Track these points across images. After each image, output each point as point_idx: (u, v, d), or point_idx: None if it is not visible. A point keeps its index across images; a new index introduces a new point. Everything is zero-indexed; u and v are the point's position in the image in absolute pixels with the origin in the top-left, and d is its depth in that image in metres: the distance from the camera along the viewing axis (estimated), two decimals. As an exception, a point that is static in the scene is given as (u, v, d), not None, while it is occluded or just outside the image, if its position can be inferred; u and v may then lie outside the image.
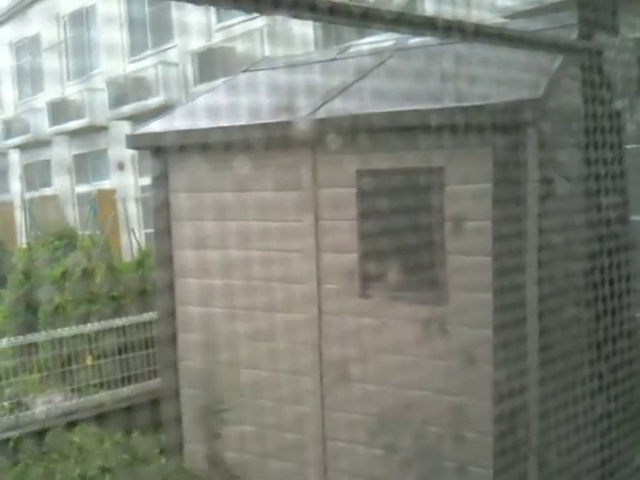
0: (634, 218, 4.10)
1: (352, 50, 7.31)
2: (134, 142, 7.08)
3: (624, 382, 3.01)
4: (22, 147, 21.68)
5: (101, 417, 7.18)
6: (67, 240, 11.17)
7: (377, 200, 5.24)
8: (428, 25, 2.13)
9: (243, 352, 5.95)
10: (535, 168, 4.54)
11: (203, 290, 6.19)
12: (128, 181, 16.98)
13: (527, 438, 4.50)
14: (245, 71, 7.58)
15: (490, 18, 8.45)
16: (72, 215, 18.69)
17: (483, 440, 4.76)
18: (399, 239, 4.98)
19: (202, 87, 12.63)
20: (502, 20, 8.07)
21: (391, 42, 6.52)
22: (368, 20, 1.92)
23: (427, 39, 4.70)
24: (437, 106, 4.86)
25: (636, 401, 3.19)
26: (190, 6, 1.78)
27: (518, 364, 4.47)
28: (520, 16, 7.61)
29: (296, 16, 1.85)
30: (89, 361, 7.87)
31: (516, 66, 4.21)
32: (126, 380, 7.90)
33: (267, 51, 12.52)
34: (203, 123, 6.21)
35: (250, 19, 13.00)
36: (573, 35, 3.10)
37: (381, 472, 5.34)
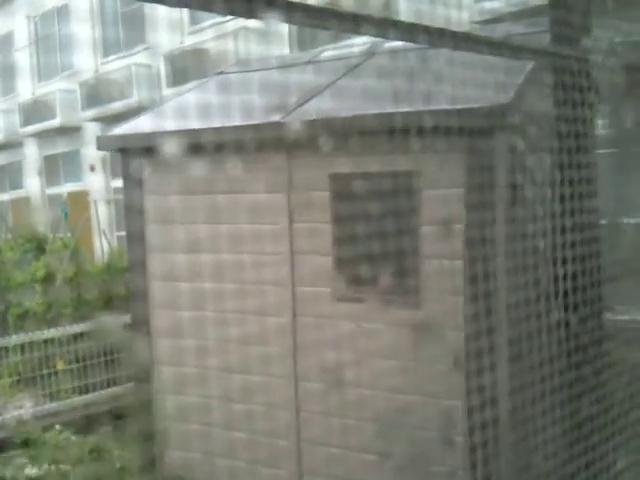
0: (612, 222, 4.14)
1: (327, 53, 7.31)
2: (105, 143, 7.00)
3: (602, 387, 3.03)
4: (-7, 148, 21.42)
5: (74, 422, 7.11)
6: (37, 243, 11.03)
7: (351, 204, 5.24)
8: (418, 30, 2.14)
9: (219, 358, 5.91)
10: (504, 173, 4.57)
11: (177, 294, 6.14)
12: (100, 183, 16.82)
13: (499, 448, 4.51)
14: (219, 73, 7.55)
15: (470, 21, 8.53)
16: (43, 217, 18.47)
17: (461, 445, 4.77)
18: (374, 243, 4.98)
19: (175, 89, 12.56)
20: (476, 26, 8.14)
21: (366, 46, 6.53)
22: (358, 24, 1.94)
23: (404, 43, 4.72)
24: (410, 109, 4.87)
25: (616, 405, 3.21)
26: (164, 7, 1.77)
27: (490, 371, 4.48)
28: (505, 19, 7.65)
29: (288, 20, 1.86)
30: (61, 365, 7.79)
31: (486, 69, 4.23)
32: (98, 385, 7.82)
33: (242, 53, 12.48)
34: (176, 125, 6.17)
35: (225, 21, 12.95)
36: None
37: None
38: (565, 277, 2.95)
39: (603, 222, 3.36)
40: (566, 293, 2.96)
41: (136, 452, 6.35)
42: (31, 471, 6.13)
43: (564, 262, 2.98)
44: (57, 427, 6.95)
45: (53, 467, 6.18)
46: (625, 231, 4.79)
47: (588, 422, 3.00)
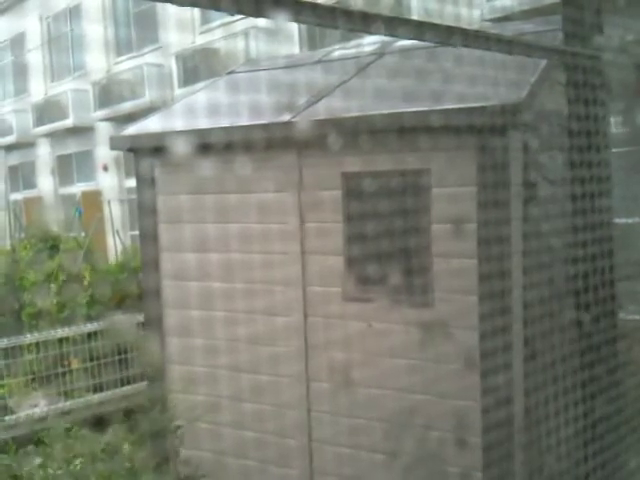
0: (625, 221, 4.11)
1: (337, 52, 7.30)
2: (118, 143, 7.03)
3: (615, 386, 3.01)
4: (7, 148, 21.52)
5: (88, 420, 7.13)
6: (51, 242, 11.09)
7: (364, 202, 5.23)
8: (428, 28, 2.14)
9: (230, 357, 5.92)
10: (518, 171, 4.54)
11: (189, 293, 6.15)
12: (113, 183, 16.89)
13: (513, 448, 4.50)
14: (230, 73, 7.56)
15: (482, 19, 8.51)
16: (57, 217, 18.58)
17: (475, 445, 4.75)
18: (386, 242, 4.97)
19: (187, 89, 12.58)
20: (488, 24, 8.11)
21: (377, 45, 6.51)
22: (367, 23, 1.93)
23: (415, 42, 4.72)
24: (423, 108, 4.85)
25: (629, 404, 3.19)
26: (175, 7, 1.77)
27: (505, 370, 4.46)
28: (517, 17, 7.63)
29: (296, 19, 1.86)
30: (75, 364, 7.82)
31: (500, 67, 4.21)
32: (112, 383, 7.84)
33: (252, 52, 12.48)
34: (186, 125, 6.18)
35: (236, 20, 12.96)
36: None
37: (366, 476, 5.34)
38: (578, 276, 2.93)
39: (616, 221, 3.34)
40: (579, 292, 2.94)
41: (149, 450, 6.37)
42: (46, 469, 6.16)
43: (577, 261, 2.97)
44: (71, 425, 6.98)
45: (67, 465, 6.21)
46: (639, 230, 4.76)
47: (602, 422, 2.98)
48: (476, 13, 8.67)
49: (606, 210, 3.12)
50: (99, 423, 7.03)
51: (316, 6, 1.79)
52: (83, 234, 12.65)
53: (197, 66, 13.56)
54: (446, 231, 4.87)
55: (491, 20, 8.48)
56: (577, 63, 2.93)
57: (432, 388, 4.91)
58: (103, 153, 16.15)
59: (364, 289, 5.35)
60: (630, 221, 4.44)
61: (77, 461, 6.18)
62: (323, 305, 5.47)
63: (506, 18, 7.98)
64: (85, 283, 9.06)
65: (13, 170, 22.08)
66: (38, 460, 6.28)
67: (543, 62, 4.55)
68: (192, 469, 6.13)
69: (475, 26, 7.17)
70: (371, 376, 5.19)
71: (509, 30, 5.66)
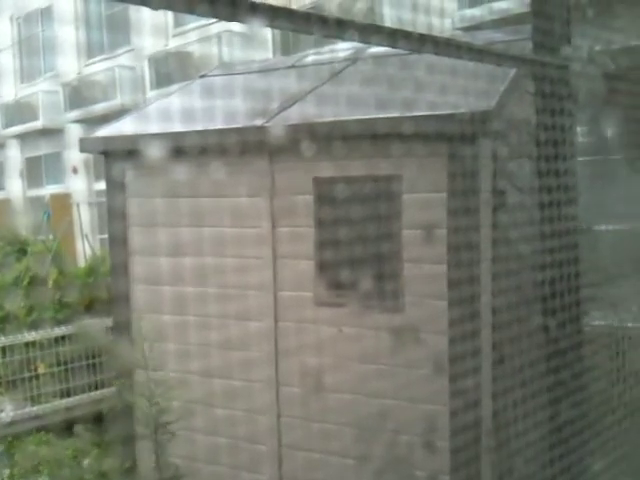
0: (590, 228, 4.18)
1: (310, 58, 7.32)
2: (88, 146, 6.97)
3: (580, 391, 3.06)
4: (-26, 149, 21.21)
5: (55, 426, 7.06)
6: (19, 245, 10.94)
7: (335, 208, 5.26)
8: (400, 36, 2.16)
9: (201, 362, 5.89)
10: (488, 179, 4.60)
11: (160, 298, 6.12)
12: (83, 185, 16.73)
13: (481, 452, 4.54)
14: (202, 76, 7.54)
15: (452, 28, 8.61)
16: (25, 220, 18.31)
17: (443, 449, 4.79)
18: (356, 247, 4.99)
19: (159, 91, 12.52)
20: (459, 32, 8.21)
21: (350, 51, 6.55)
22: (341, 29, 1.95)
23: (388, 49, 4.76)
24: (395, 115, 4.90)
25: (593, 409, 3.25)
26: (149, 10, 1.77)
27: (473, 374, 4.51)
28: (487, 26, 7.74)
29: (272, 24, 1.86)
30: (42, 368, 7.73)
31: (470, 76, 4.27)
32: (80, 388, 7.77)
33: (225, 56, 12.47)
34: (158, 128, 6.16)
35: (209, 24, 12.93)
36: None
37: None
38: (545, 282, 2.98)
39: (582, 229, 3.39)
40: (546, 298, 2.98)
41: (117, 456, 6.32)
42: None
43: (544, 268, 3.01)
44: (38, 431, 6.90)
45: (34, 475, 6.14)
46: (603, 238, 4.84)
47: (567, 425, 3.03)
48: (447, 22, 8.77)
49: (572, 218, 3.17)
50: (67, 428, 6.97)
51: (291, 12, 1.81)
52: (51, 237, 12.48)
53: (169, 69, 13.50)
54: (416, 237, 4.91)
55: (462, 29, 8.60)
56: (545, 73, 2.98)
57: (402, 393, 4.94)
58: (73, 155, 15.98)
59: (335, 294, 5.37)
60: (595, 228, 4.52)
61: (45, 472, 6.11)
62: (294, 310, 5.48)
63: (476, 27, 8.09)
64: (53, 287, 8.95)
65: (-19, 172, 21.75)
66: (6, 472, 6.21)
67: (513, 71, 4.62)
68: (170, 472, 6.10)
69: (446, 35, 7.25)
70: (341, 381, 5.21)
71: (479, 39, 5.73)
